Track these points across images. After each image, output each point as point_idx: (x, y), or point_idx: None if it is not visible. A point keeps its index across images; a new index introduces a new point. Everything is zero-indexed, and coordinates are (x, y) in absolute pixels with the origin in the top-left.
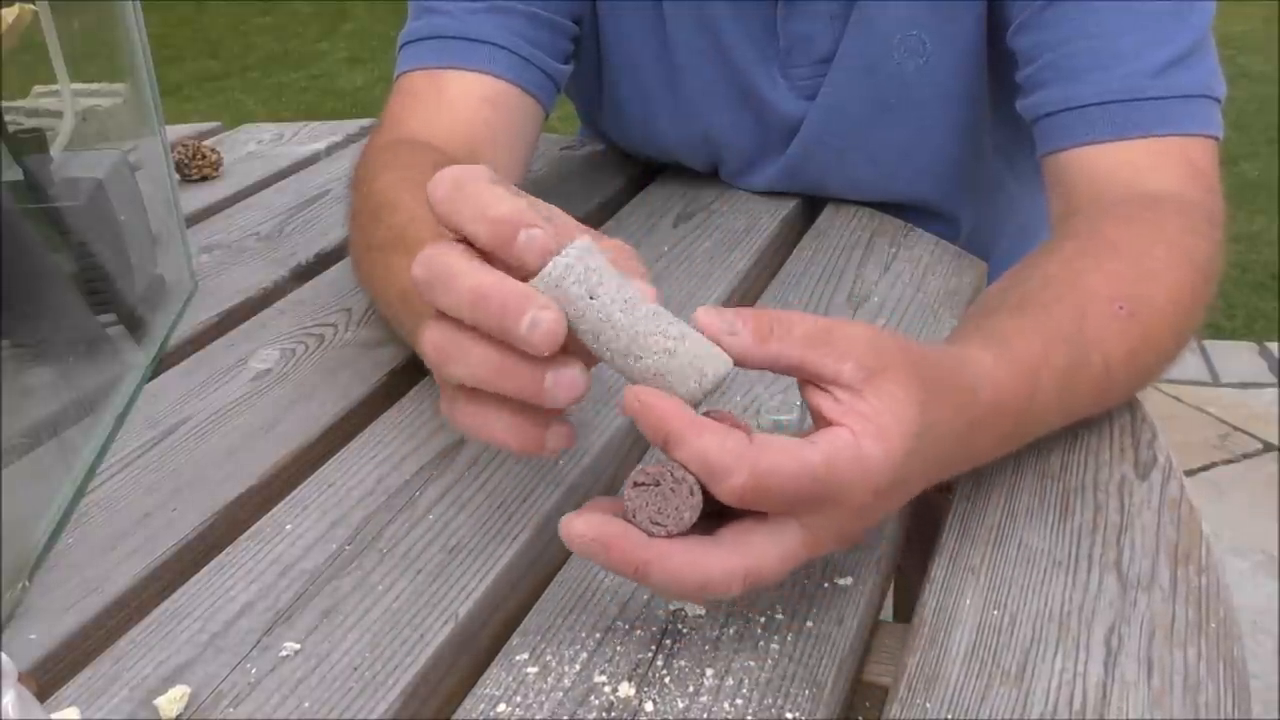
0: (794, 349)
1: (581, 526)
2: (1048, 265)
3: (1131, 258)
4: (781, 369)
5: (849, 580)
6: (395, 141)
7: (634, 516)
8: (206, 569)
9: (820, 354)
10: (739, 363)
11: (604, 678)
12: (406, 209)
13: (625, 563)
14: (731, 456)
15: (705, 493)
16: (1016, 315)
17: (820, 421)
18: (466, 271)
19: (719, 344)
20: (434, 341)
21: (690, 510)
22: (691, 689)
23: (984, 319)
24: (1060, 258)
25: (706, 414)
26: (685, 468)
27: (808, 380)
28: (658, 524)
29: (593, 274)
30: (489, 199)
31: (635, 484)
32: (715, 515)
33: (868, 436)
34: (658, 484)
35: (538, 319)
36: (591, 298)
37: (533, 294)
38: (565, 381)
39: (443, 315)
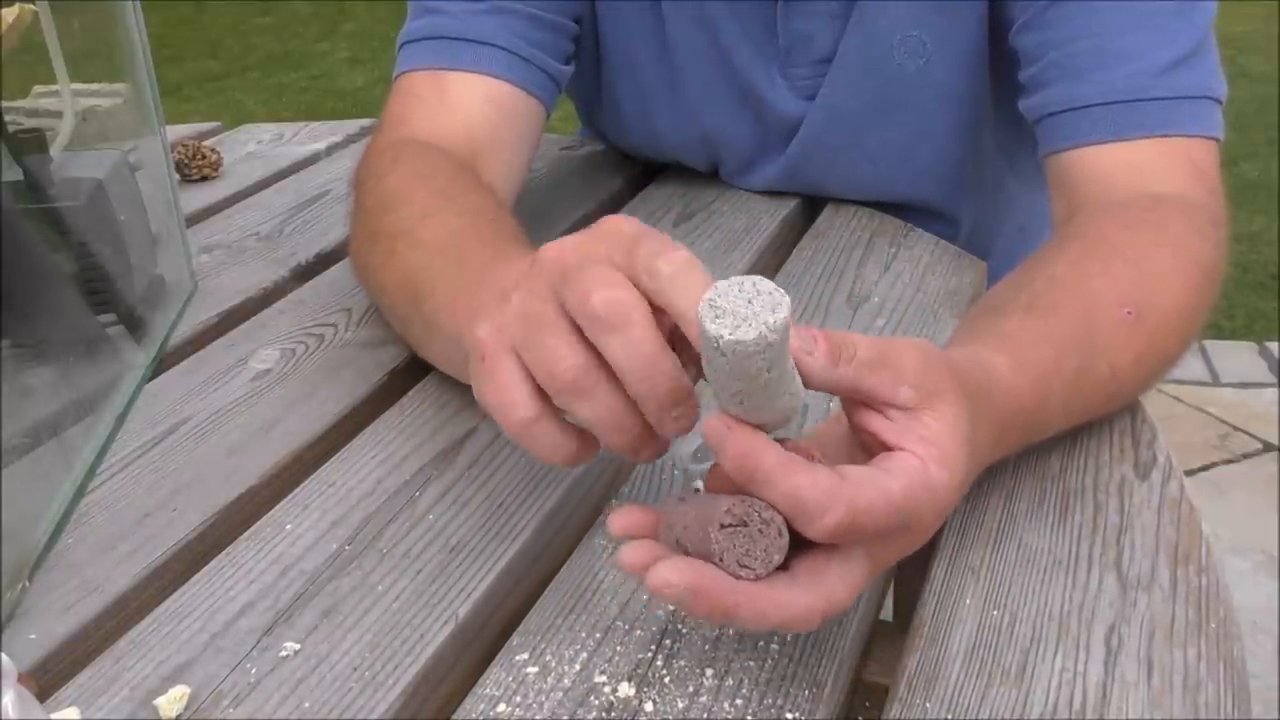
0: (855, 373)
1: (673, 576)
2: (1053, 267)
3: (1137, 261)
4: (841, 392)
5: None
6: (401, 141)
7: (721, 559)
8: (206, 569)
9: (880, 378)
10: (807, 383)
11: (604, 678)
12: (420, 204)
13: (714, 609)
14: (826, 496)
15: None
16: (1025, 318)
17: (872, 442)
18: (652, 336)
19: (796, 360)
20: (573, 371)
21: (779, 552)
22: (691, 689)
23: (993, 321)
24: (1066, 260)
25: (788, 446)
26: (772, 507)
27: (861, 402)
28: (745, 566)
29: (773, 350)
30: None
31: (722, 526)
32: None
33: (933, 462)
34: (745, 524)
35: (685, 412)
36: (768, 371)
37: (690, 389)
38: (652, 449)
39: (576, 332)
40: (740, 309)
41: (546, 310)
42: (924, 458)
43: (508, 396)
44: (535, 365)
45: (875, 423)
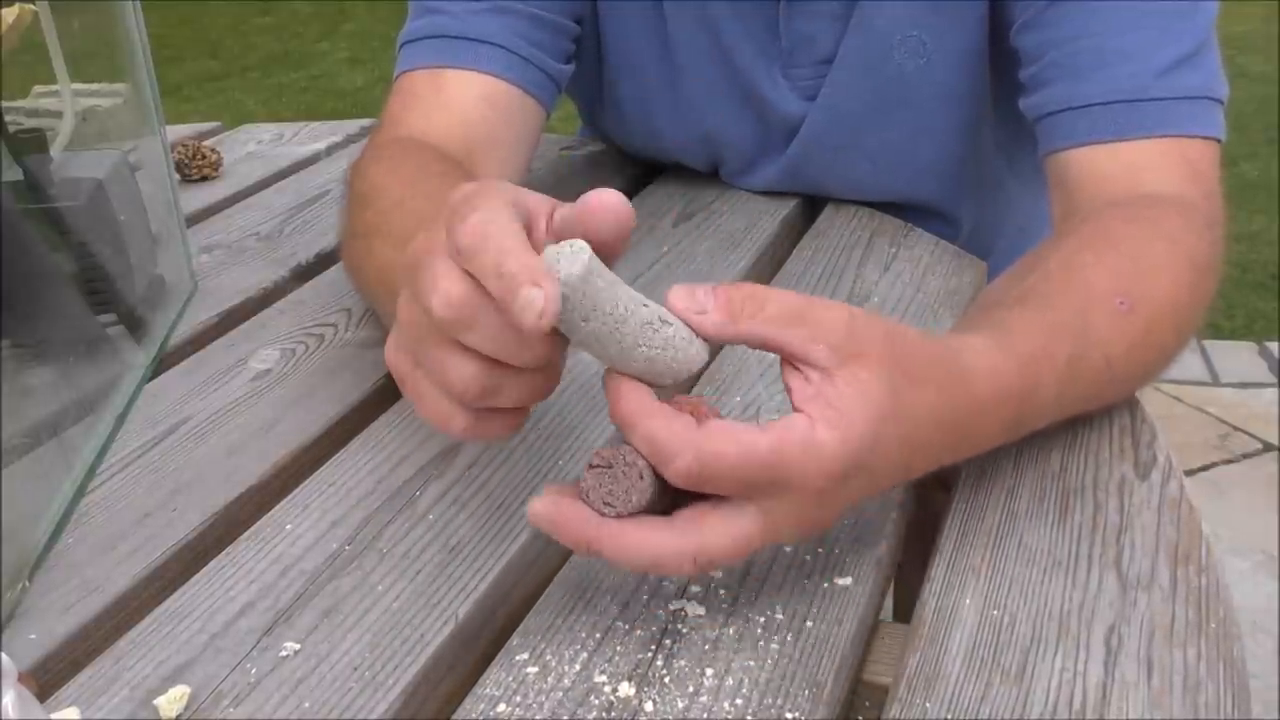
0: (765, 328)
1: (538, 506)
2: (1049, 261)
3: (1132, 254)
4: (755, 346)
5: (849, 580)
6: (392, 139)
7: (588, 496)
8: (206, 569)
9: (792, 334)
10: (710, 340)
11: (604, 678)
12: (391, 195)
13: (577, 540)
14: (678, 440)
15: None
16: (1018, 308)
17: (792, 403)
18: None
19: (689, 323)
20: (453, 294)
21: (638, 494)
22: (691, 689)
23: (986, 312)
24: (1061, 253)
25: (673, 401)
26: (638, 451)
27: (785, 360)
28: (609, 504)
29: (586, 300)
30: (506, 248)
31: (590, 466)
32: (683, 498)
33: (823, 423)
34: (610, 466)
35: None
36: (584, 321)
37: (542, 274)
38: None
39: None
40: (551, 268)
41: (418, 316)
42: (814, 418)
43: (438, 412)
44: (434, 377)
45: (793, 380)
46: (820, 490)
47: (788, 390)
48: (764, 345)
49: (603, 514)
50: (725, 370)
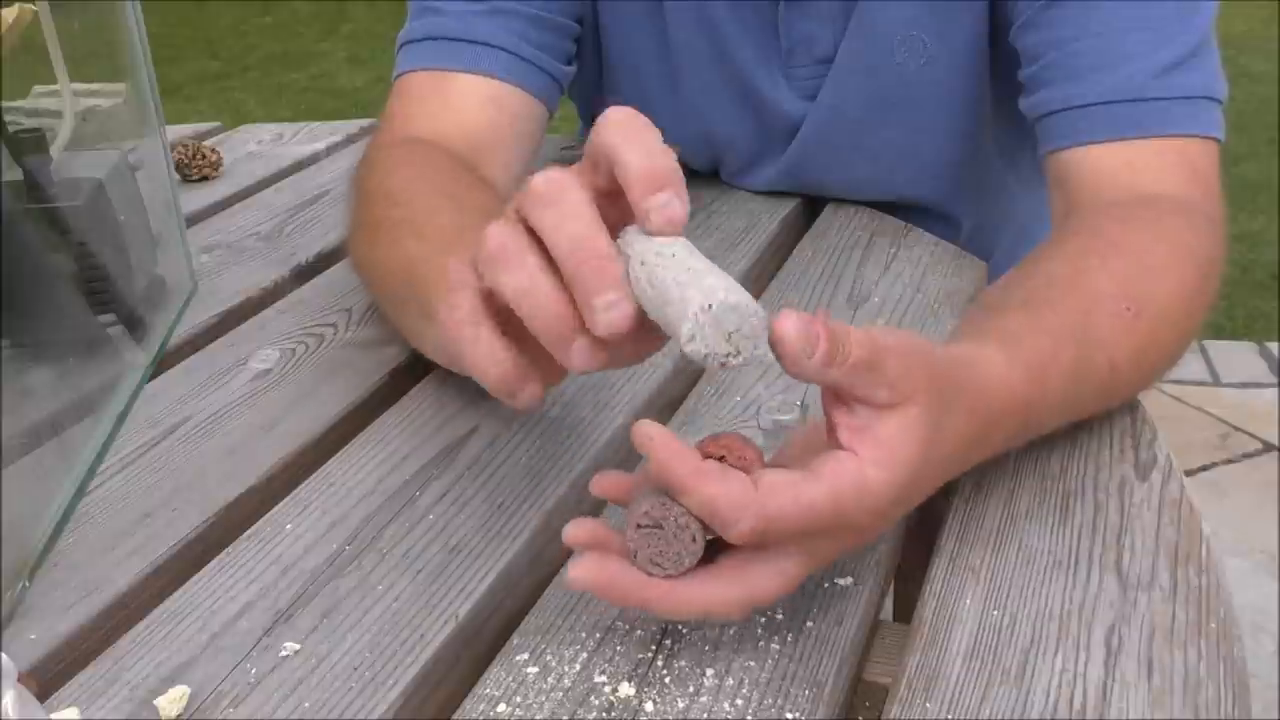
0: (848, 375)
1: (579, 572)
2: (1051, 264)
3: (1135, 257)
4: (825, 386)
5: (849, 580)
6: (405, 140)
7: (634, 556)
8: (206, 569)
9: (866, 380)
10: (798, 378)
11: (604, 678)
12: (425, 201)
13: (626, 603)
14: (737, 506)
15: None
16: (1023, 313)
17: (831, 434)
18: (589, 217)
19: (788, 355)
20: (501, 239)
21: (690, 557)
22: (691, 689)
23: (992, 317)
24: (1064, 256)
25: (712, 439)
26: (689, 513)
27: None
28: (657, 565)
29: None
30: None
31: (638, 526)
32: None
33: (873, 464)
34: (659, 527)
35: (616, 303)
36: (651, 286)
37: (623, 281)
38: (588, 354)
39: (518, 221)
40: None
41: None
42: (863, 458)
43: (453, 294)
44: (476, 257)
45: (839, 414)
46: (865, 526)
47: (831, 420)
48: (837, 388)
49: (650, 574)
50: (725, 371)
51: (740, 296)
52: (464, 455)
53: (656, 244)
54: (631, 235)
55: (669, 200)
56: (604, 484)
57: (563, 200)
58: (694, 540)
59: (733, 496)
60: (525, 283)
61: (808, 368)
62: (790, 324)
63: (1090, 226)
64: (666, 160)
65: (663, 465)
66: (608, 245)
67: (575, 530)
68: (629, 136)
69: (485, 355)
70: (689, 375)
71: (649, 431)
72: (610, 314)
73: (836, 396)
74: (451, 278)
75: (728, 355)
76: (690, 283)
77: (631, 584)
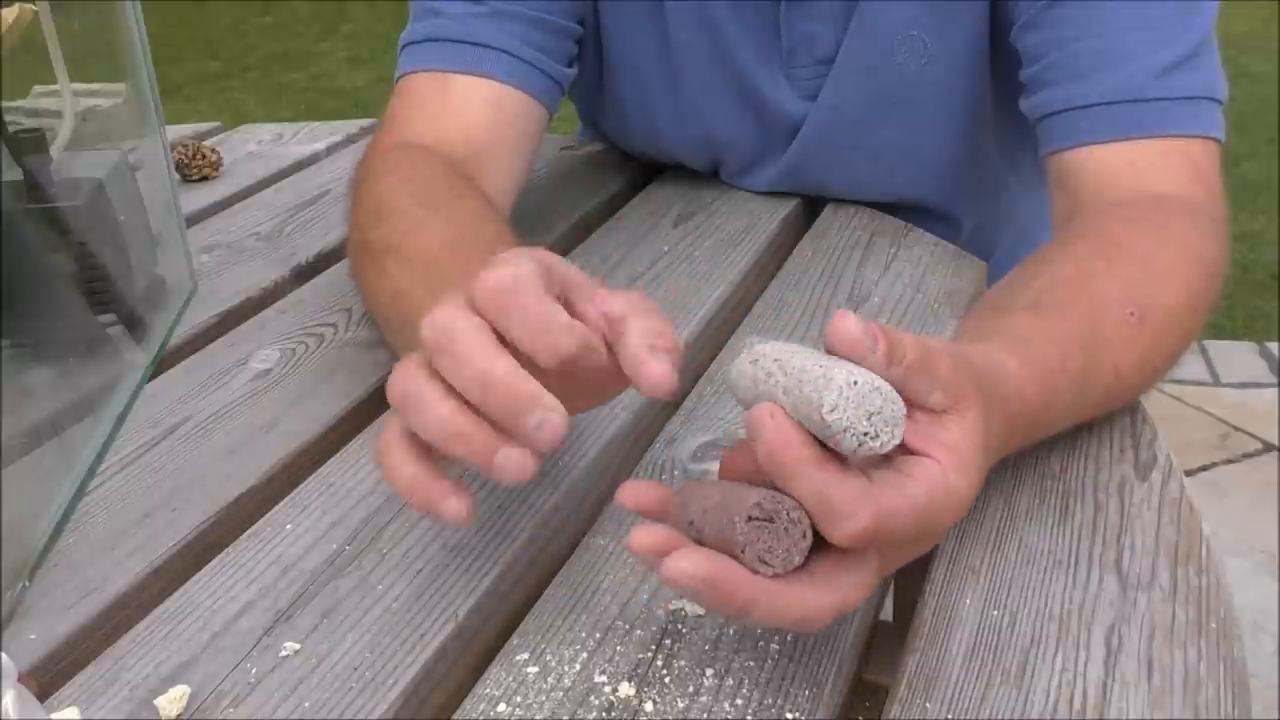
0: (903, 375)
1: (690, 566)
2: (1058, 266)
3: (1140, 260)
4: None
5: None
6: (399, 145)
7: (742, 551)
8: (207, 569)
9: (920, 382)
10: None
11: (604, 678)
12: (407, 216)
13: (729, 603)
14: (855, 499)
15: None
16: (1032, 316)
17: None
18: (480, 355)
19: (853, 352)
20: (402, 389)
21: (800, 554)
22: (691, 689)
23: (999, 319)
24: (1071, 259)
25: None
26: (801, 507)
27: None
28: (765, 563)
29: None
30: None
31: (750, 518)
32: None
33: (953, 470)
34: (772, 520)
35: (549, 421)
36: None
37: (541, 394)
38: (515, 464)
39: (418, 364)
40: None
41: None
42: (945, 464)
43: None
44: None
45: None
46: (940, 532)
47: None
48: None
49: (757, 571)
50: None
51: (884, 384)
52: None
53: (779, 343)
54: (752, 338)
55: (538, 424)
56: (637, 494)
57: (454, 344)
58: (804, 537)
59: (850, 488)
60: (436, 425)
61: (874, 366)
62: (852, 321)
63: (1095, 228)
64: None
65: (782, 444)
66: (508, 368)
67: (632, 492)
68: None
69: (400, 478)
70: (689, 375)
71: (771, 411)
72: (543, 432)
73: None
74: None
75: (865, 435)
76: (832, 365)
77: (742, 582)
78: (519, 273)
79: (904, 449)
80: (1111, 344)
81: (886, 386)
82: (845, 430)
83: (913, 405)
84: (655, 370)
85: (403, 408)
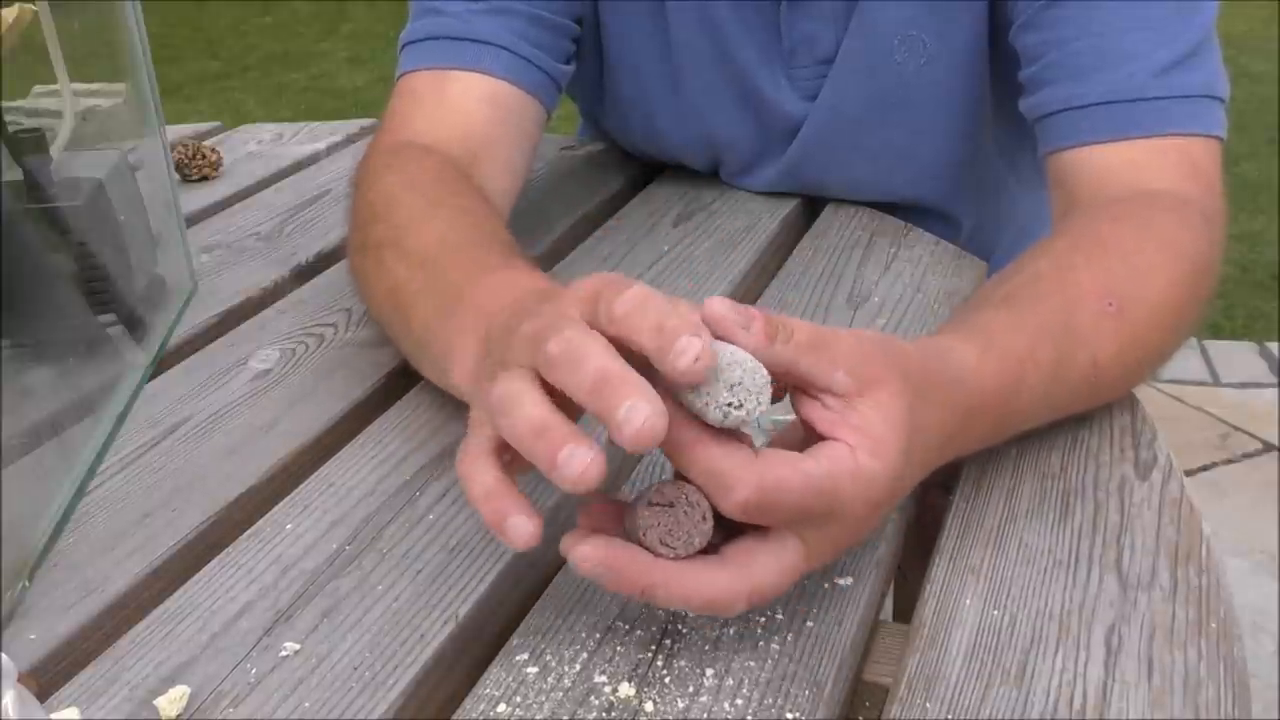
0: (794, 353)
1: (588, 550)
2: (1038, 262)
3: (1122, 254)
4: (777, 372)
5: (849, 580)
6: (398, 144)
7: (644, 535)
8: (206, 569)
9: (815, 360)
10: None
11: (604, 678)
12: (406, 212)
13: (632, 585)
14: (737, 468)
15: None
16: (1002, 310)
17: (810, 431)
18: (598, 353)
19: (731, 335)
20: (504, 388)
21: (700, 536)
22: (691, 689)
23: (972, 312)
24: (1050, 254)
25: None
26: (700, 490)
27: (799, 387)
28: (667, 545)
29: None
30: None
31: (650, 503)
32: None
33: (863, 451)
34: (672, 505)
35: (633, 406)
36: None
37: (644, 386)
38: (579, 467)
39: (523, 371)
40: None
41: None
42: (854, 445)
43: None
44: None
45: (813, 411)
46: (861, 517)
47: (804, 417)
48: (785, 370)
49: (658, 554)
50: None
51: (748, 357)
52: None
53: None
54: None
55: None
56: (591, 515)
57: (575, 351)
58: (704, 519)
59: (733, 460)
60: (524, 425)
61: (749, 341)
62: (718, 302)
63: (1082, 225)
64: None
65: (668, 430)
66: (623, 368)
67: (587, 515)
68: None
69: (473, 485)
70: None
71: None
72: (633, 418)
73: (804, 393)
74: (471, 414)
75: (729, 405)
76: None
77: (642, 566)
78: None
79: (816, 435)
80: (1088, 336)
81: (750, 360)
82: (706, 404)
83: (817, 388)
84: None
85: (498, 407)
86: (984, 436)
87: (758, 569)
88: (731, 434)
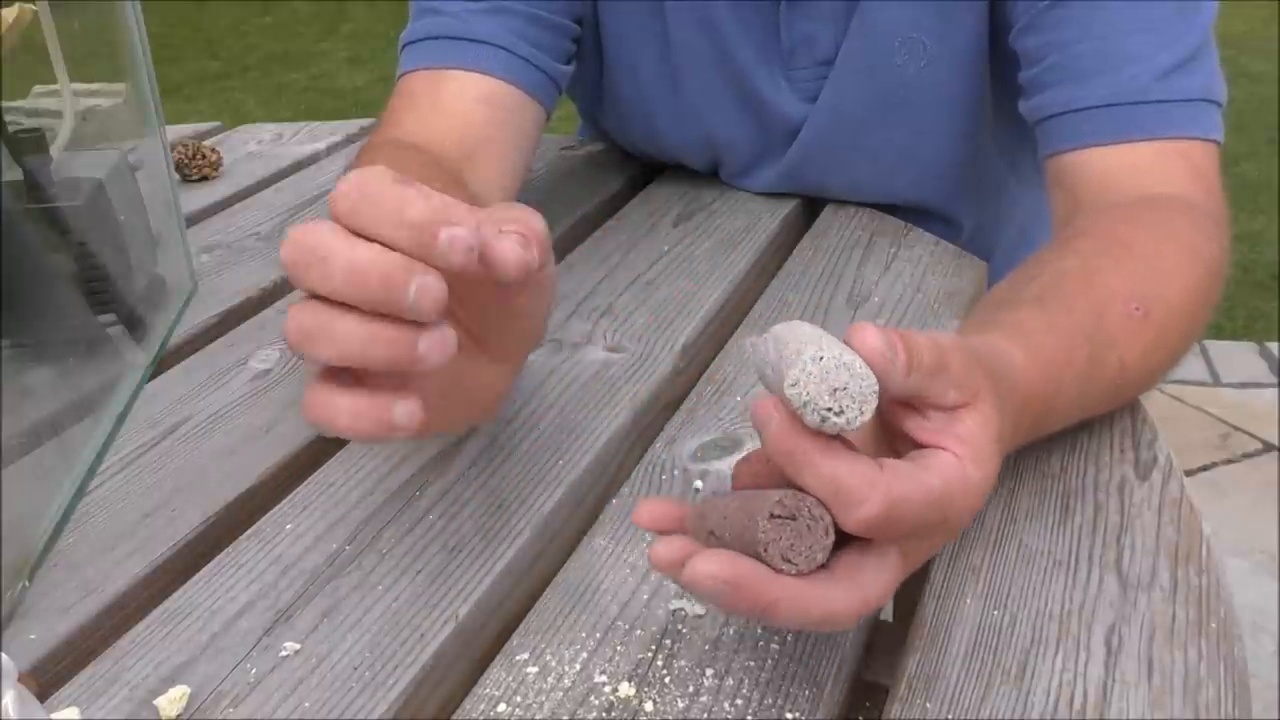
0: (923, 380)
1: (713, 567)
2: (1063, 261)
3: (1145, 258)
4: (901, 398)
5: None
6: (385, 142)
7: (765, 550)
8: (206, 569)
9: (936, 383)
10: (883, 389)
11: (604, 678)
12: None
13: (754, 604)
14: (865, 483)
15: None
16: (1035, 310)
17: (900, 439)
18: (342, 248)
19: (874, 364)
20: (298, 324)
21: (823, 552)
22: (691, 689)
23: (1004, 314)
24: (1076, 255)
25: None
26: (821, 503)
27: (902, 402)
28: (789, 561)
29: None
30: (405, 199)
31: (771, 516)
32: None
33: (970, 460)
34: (794, 518)
35: (424, 284)
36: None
37: (412, 262)
38: (437, 342)
39: (310, 297)
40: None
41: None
42: (961, 456)
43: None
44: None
45: (912, 423)
46: (959, 526)
47: (903, 428)
48: (912, 395)
49: (780, 570)
50: (726, 370)
51: (857, 360)
52: (463, 455)
53: (797, 322)
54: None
55: (451, 237)
56: (653, 512)
57: (316, 251)
58: (826, 534)
59: (860, 474)
60: (347, 340)
61: (894, 378)
62: (872, 333)
63: (1098, 227)
64: (418, 207)
65: (788, 434)
66: (371, 251)
67: (648, 510)
68: (368, 209)
69: (340, 413)
70: (689, 375)
71: (774, 404)
72: (425, 297)
73: (905, 405)
74: (292, 342)
75: (829, 410)
76: (813, 341)
77: (766, 582)
78: (367, 171)
79: (919, 445)
80: (1117, 338)
81: (858, 363)
82: (805, 405)
83: (930, 406)
84: (502, 248)
85: (305, 343)
86: (1024, 437)
87: (867, 583)
88: (848, 443)
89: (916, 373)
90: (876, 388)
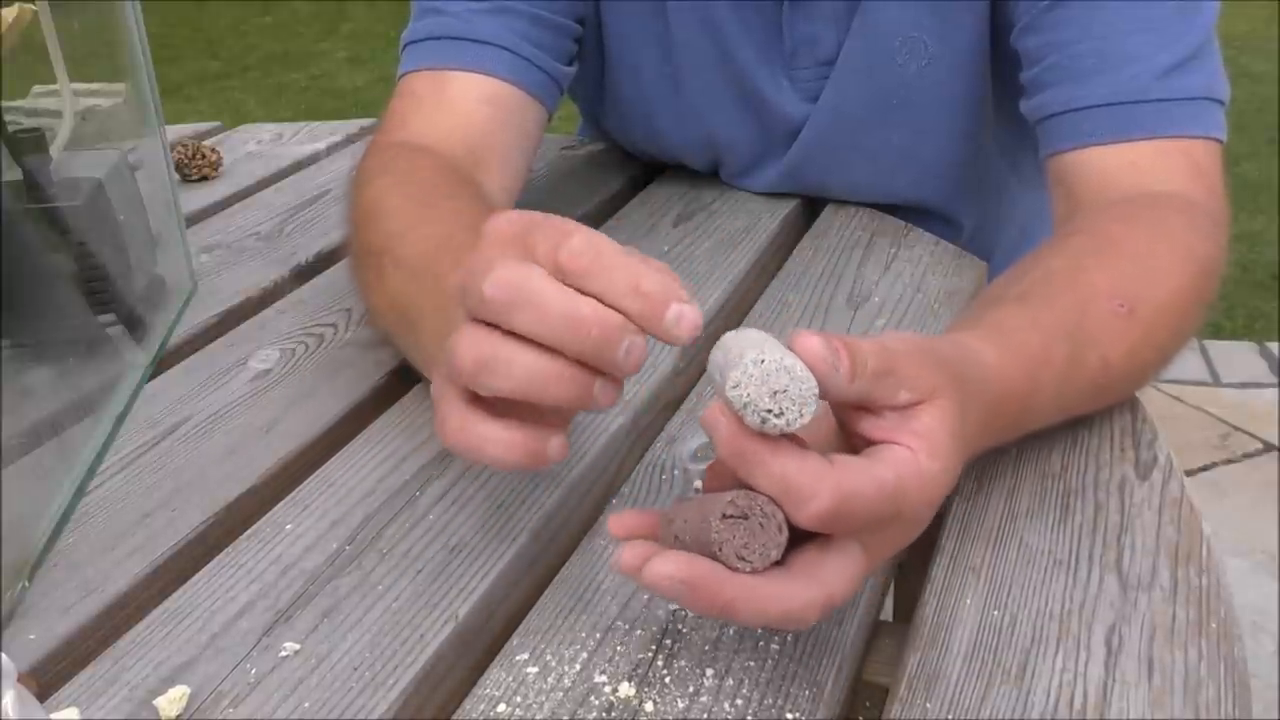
0: (867, 386)
1: (669, 568)
2: (1050, 260)
3: (1134, 256)
4: (849, 403)
5: None
6: (394, 144)
7: (719, 550)
8: (206, 569)
9: (884, 386)
10: (824, 395)
11: (604, 678)
12: (400, 217)
13: (710, 602)
14: (813, 479)
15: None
16: (1017, 308)
17: (857, 439)
18: (560, 297)
19: (816, 369)
20: (477, 353)
21: (776, 549)
22: (691, 689)
23: (986, 310)
24: (1063, 254)
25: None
26: (772, 501)
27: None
28: (743, 559)
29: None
30: (640, 272)
31: (724, 516)
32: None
33: (924, 453)
34: (746, 517)
35: (635, 343)
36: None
37: (629, 323)
38: (611, 387)
39: (480, 324)
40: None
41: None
42: (915, 449)
43: (439, 415)
44: (451, 367)
45: (867, 424)
46: (918, 518)
47: (855, 429)
48: (860, 400)
49: (735, 569)
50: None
51: (798, 364)
52: None
53: (748, 330)
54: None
55: (679, 313)
56: (624, 523)
57: (532, 294)
58: (780, 530)
59: (809, 470)
60: (526, 376)
61: (837, 383)
62: (814, 339)
63: (1092, 225)
64: (653, 280)
65: (733, 441)
66: (593, 304)
67: (620, 522)
68: (602, 276)
69: (493, 444)
70: (689, 375)
71: (720, 411)
72: (631, 356)
73: (859, 408)
74: (434, 389)
75: (768, 412)
76: (756, 345)
77: (722, 581)
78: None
79: (862, 439)
80: (1100, 336)
81: (799, 367)
82: (746, 406)
83: (883, 407)
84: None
85: (481, 372)
86: (1003, 433)
87: (828, 578)
88: (798, 441)
89: (861, 379)
90: (817, 390)
